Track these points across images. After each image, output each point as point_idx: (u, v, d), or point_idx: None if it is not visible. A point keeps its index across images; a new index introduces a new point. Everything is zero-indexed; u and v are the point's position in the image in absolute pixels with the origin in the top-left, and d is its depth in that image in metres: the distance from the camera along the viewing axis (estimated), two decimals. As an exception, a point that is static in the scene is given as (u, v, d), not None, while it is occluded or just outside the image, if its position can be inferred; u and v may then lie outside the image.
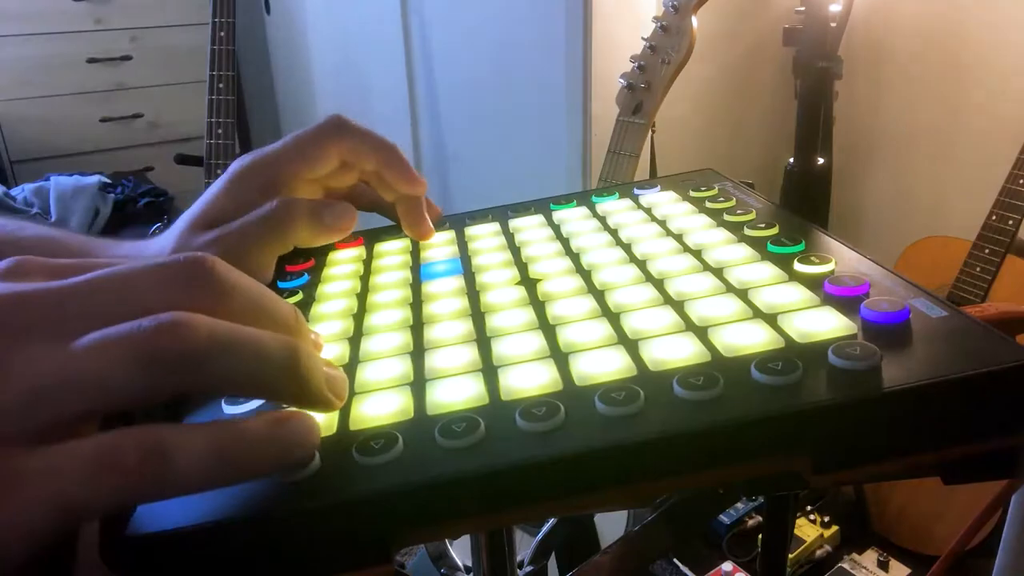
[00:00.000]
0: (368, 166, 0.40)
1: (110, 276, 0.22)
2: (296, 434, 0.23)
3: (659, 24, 1.18)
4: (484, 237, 0.43)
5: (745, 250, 0.35)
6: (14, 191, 1.96)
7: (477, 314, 0.33)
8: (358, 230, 0.45)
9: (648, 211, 0.44)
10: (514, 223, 0.45)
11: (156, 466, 0.20)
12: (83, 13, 2.26)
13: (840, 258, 0.33)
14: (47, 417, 0.20)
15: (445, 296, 0.36)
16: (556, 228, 0.43)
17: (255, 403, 0.29)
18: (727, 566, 1.33)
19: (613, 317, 0.31)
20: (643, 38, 1.20)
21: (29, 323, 0.21)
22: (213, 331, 0.21)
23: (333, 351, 0.32)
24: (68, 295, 0.21)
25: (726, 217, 0.40)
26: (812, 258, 0.33)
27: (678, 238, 0.39)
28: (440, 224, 0.45)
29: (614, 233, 0.41)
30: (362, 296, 0.37)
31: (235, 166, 0.39)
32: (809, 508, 1.45)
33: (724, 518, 1.43)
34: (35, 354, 0.20)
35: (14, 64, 2.20)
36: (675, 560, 1.35)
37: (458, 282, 0.37)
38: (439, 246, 0.43)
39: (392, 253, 0.43)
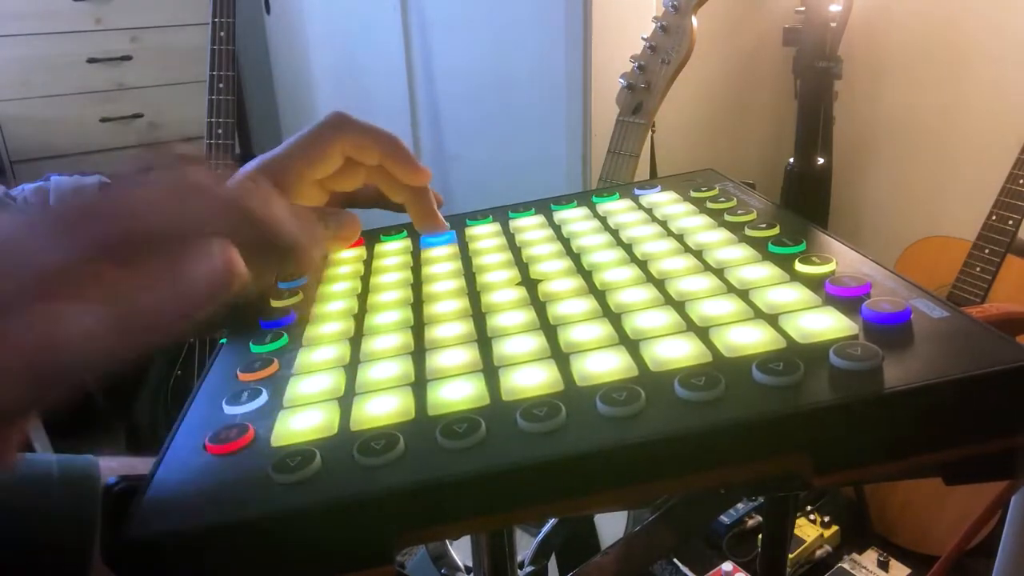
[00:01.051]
0: (372, 160, 0.40)
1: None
2: (202, 269, 0.22)
3: (659, 24, 1.18)
4: (485, 237, 0.43)
5: (746, 250, 0.35)
6: (14, 191, 1.96)
7: (478, 314, 0.33)
8: (359, 230, 0.45)
9: (649, 211, 0.44)
10: (515, 223, 0.45)
11: (33, 337, 0.20)
12: (83, 13, 2.26)
13: (841, 258, 0.33)
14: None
15: (446, 296, 0.36)
16: (557, 228, 0.43)
17: (255, 404, 0.29)
18: (727, 566, 1.33)
19: (614, 317, 0.31)
20: (643, 38, 1.20)
21: None
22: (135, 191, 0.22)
23: (334, 352, 0.32)
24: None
25: (727, 217, 0.40)
26: (813, 258, 0.33)
27: (679, 238, 0.39)
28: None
29: (615, 233, 0.41)
30: (363, 296, 0.37)
31: (240, 173, 0.39)
32: (809, 508, 1.45)
33: (724, 518, 1.43)
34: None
35: (14, 64, 2.19)
36: (675, 560, 1.35)
37: (459, 282, 0.37)
38: (440, 246, 0.43)
39: (393, 254, 0.43)
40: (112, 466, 0.46)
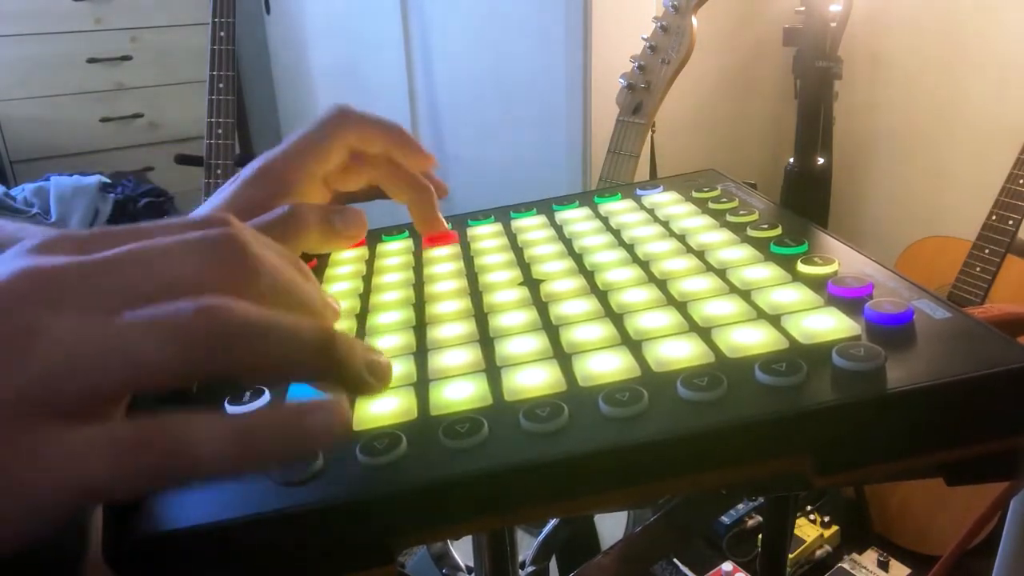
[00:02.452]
0: (377, 149, 0.40)
1: (142, 249, 0.22)
2: (321, 421, 0.22)
3: (659, 24, 1.18)
4: (487, 238, 0.43)
5: (748, 251, 0.35)
6: (14, 191, 1.96)
7: (480, 315, 0.33)
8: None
9: (651, 212, 0.44)
10: (516, 224, 0.45)
11: (180, 453, 0.20)
12: (83, 13, 2.26)
13: (843, 259, 0.33)
14: (76, 391, 0.19)
15: (448, 297, 0.36)
16: (559, 229, 0.43)
17: (259, 402, 0.29)
18: (727, 566, 1.33)
19: (616, 318, 0.31)
20: (643, 38, 1.20)
21: (61, 296, 0.20)
22: (249, 314, 0.21)
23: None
24: (100, 267, 0.21)
25: (729, 218, 0.40)
26: (815, 259, 0.33)
27: (681, 239, 0.39)
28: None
29: (617, 234, 0.41)
30: (365, 296, 0.37)
31: (245, 171, 0.38)
32: (809, 508, 1.45)
33: (724, 518, 1.43)
34: (73, 323, 0.20)
35: (14, 64, 2.19)
36: (675, 560, 1.35)
37: (461, 283, 0.37)
38: (442, 246, 0.43)
39: (395, 253, 0.43)
40: None
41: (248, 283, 0.22)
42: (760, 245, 0.36)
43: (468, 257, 0.41)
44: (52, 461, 0.19)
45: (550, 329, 0.31)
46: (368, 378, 0.24)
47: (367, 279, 0.40)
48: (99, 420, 0.20)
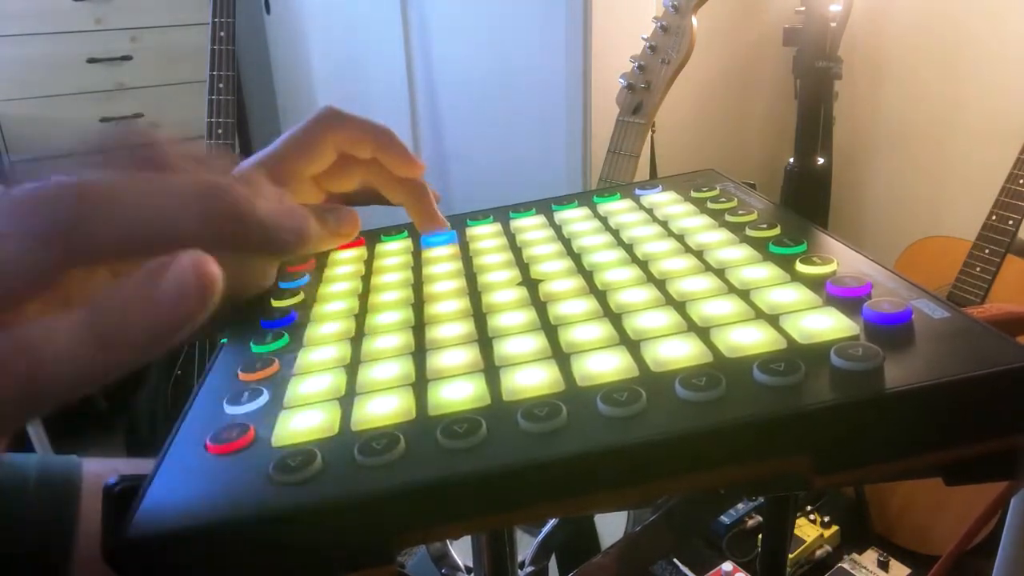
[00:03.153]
0: (365, 153, 0.40)
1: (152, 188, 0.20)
2: (179, 283, 0.19)
3: (659, 24, 1.18)
4: (486, 238, 0.43)
5: (747, 251, 0.35)
6: (14, 191, 1.96)
7: (479, 314, 0.33)
8: (359, 230, 0.45)
9: (650, 212, 0.44)
10: (515, 223, 0.45)
11: (27, 362, 0.18)
12: (83, 13, 2.26)
13: (842, 259, 0.33)
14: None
15: (447, 297, 0.36)
16: (558, 229, 0.43)
17: (258, 402, 0.29)
18: (727, 566, 1.33)
19: (615, 318, 0.31)
20: (643, 38, 1.20)
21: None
22: (101, 185, 0.19)
23: (335, 352, 0.32)
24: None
25: (728, 218, 0.40)
26: (814, 259, 0.33)
27: (680, 239, 0.39)
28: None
29: (616, 234, 0.41)
30: (363, 296, 0.37)
31: (235, 172, 0.39)
32: (809, 508, 1.45)
33: (724, 518, 1.43)
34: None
35: (14, 64, 2.19)
36: (675, 560, 1.35)
37: (459, 283, 0.37)
38: (441, 246, 0.43)
39: (393, 253, 0.43)
40: (96, 469, 0.45)
41: (140, 157, 0.21)
42: (759, 245, 0.36)
43: (467, 257, 0.41)
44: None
45: (549, 329, 0.31)
46: (274, 233, 0.21)
47: (366, 279, 0.40)
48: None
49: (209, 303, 0.20)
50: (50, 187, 0.19)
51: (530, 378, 0.27)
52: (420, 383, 0.28)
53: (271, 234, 0.21)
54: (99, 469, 0.46)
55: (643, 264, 0.36)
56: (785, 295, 0.30)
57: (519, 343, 0.30)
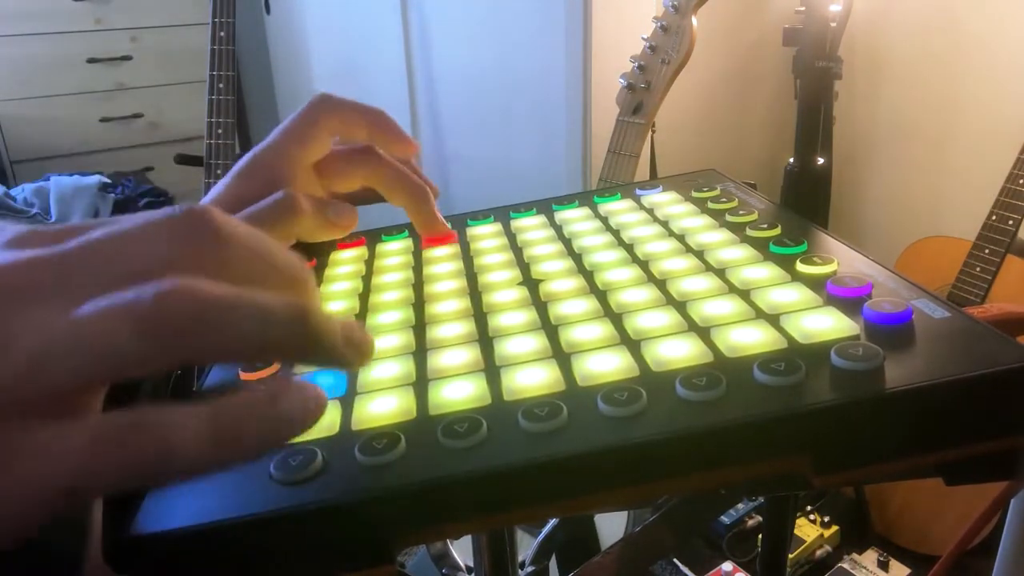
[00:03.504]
0: (360, 134, 0.40)
1: (108, 235, 0.21)
2: (296, 403, 0.21)
3: (659, 24, 1.18)
4: (486, 238, 0.43)
5: (747, 251, 0.35)
6: (14, 191, 1.96)
7: (479, 314, 0.33)
8: (360, 230, 0.45)
9: (650, 212, 0.44)
10: (516, 223, 0.45)
11: (157, 447, 0.19)
12: (83, 13, 2.26)
13: (842, 259, 0.33)
14: (47, 387, 0.19)
15: (447, 296, 0.36)
16: (558, 229, 0.43)
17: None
18: (727, 566, 1.33)
19: (615, 317, 0.31)
20: (643, 38, 1.20)
21: (29, 289, 0.20)
22: (214, 295, 0.20)
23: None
24: (68, 258, 0.20)
25: (728, 218, 0.40)
26: (814, 259, 0.33)
27: (680, 239, 0.39)
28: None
29: (616, 234, 0.41)
30: (364, 296, 0.37)
31: (236, 165, 0.39)
32: (809, 508, 1.45)
33: (724, 518, 1.43)
34: (36, 320, 0.19)
35: (14, 64, 2.20)
36: (675, 560, 1.35)
37: (460, 282, 0.37)
38: (441, 246, 0.43)
39: (394, 253, 0.43)
40: None
41: (219, 251, 0.21)
42: (759, 245, 0.36)
43: (468, 257, 0.41)
44: (26, 461, 0.18)
45: (549, 329, 0.31)
46: (344, 352, 0.23)
47: (367, 279, 0.40)
48: (72, 416, 0.19)
49: (318, 419, 0.22)
50: (166, 286, 0.19)
51: (531, 378, 0.27)
52: (421, 383, 0.28)
53: (345, 357, 0.23)
54: None
55: (643, 264, 0.36)
56: (785, 295, 0.30)
57: (520, 343, 0.30)
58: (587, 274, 0.36)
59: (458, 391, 0.27)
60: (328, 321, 0.22)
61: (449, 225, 0.44)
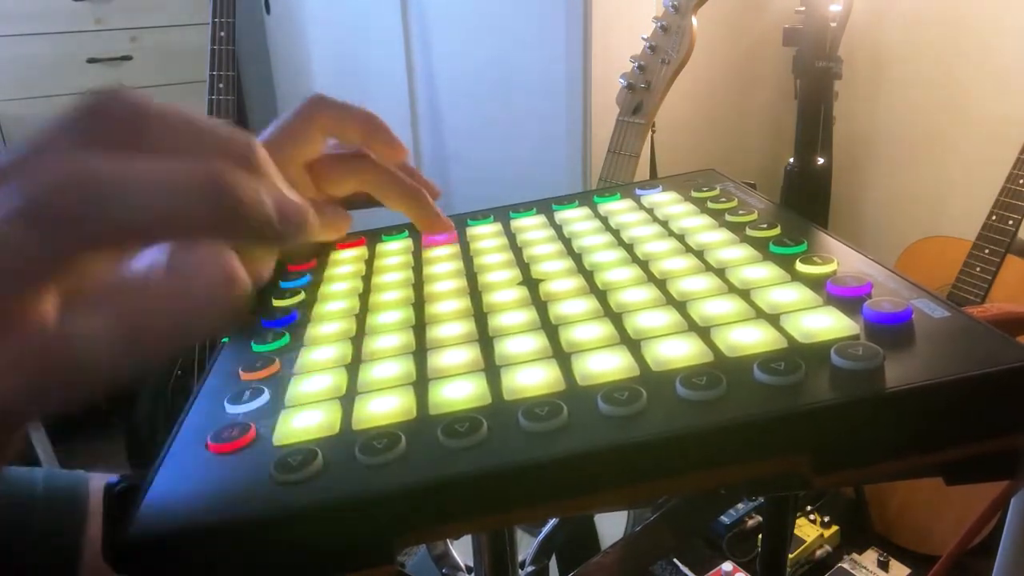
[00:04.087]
0: (353, 135, 0.40)
1: (39, 136, 0.20)
2: (208, 282, 0.20)
3: (659, 24, 1.18)
4: (486, 237, 0.43)
5: (747, 250, 0.35)
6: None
7: (479, 314, 0.33)
8: (360, 230, 0.45)
9: (650, 212, 0.44)
10: (516, 223, 0.45)
11: (67, 365, 0.18)
12: (83, 13, 2.26)
13: (842, 258, 0.33)
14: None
15: (447, 296, 0.36)
16: (558, 228, 0.43)
17: (259, 401, 0.29)
18: (727, 566, 1.33)
19: (615, 317, 0.31)
20: (643, 38, 1.20)
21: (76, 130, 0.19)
22: (101, 170, 0.18)
23: (336, 351, 0.32)
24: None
25: (728, 218, 0.40)
26: (814, 258, 0.33)
27: (680, 239, 0.39)
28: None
29: (616, 233, 0.41)
30: (364, 296, 0.37)
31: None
32: (809, 508, 1.45)
33: (724, 518, 1.43)
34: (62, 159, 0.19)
35: (14, 64, 2.20)
36: (675, 560, 1.35)
37: (460, 282, 0.37)
38: (441, 245, 0.43)
39: (394, 253, 0.43)
40: (103, 484, 0.46)
41: (130, 130, 0.20)
42: (759, 245, 0.36)
43: (467, 257, 0.41)
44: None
45: (549, 328, 0.31)
46: (280, 226, 0.21)
47: (367, 279, 0.40)
48: None
49: (235, 300, 0.20)
50: (56, 171, 0.18)
51: (531, 377, 0.27)
52: (421, 382, 0.28)
53: (275, 227, 0.21)
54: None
55: (643, 264, 0.36)
56: (785, 295, 0.30)
57: (520, 342, 0.30)
58: (587, 274, 0.36)
59: (458, 391, 0.27)
60: (250, 188, 0.20)
61: (452, 224, 0.44)
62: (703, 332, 0.29)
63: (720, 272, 0.34)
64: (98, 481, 0.46)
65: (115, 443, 1.85)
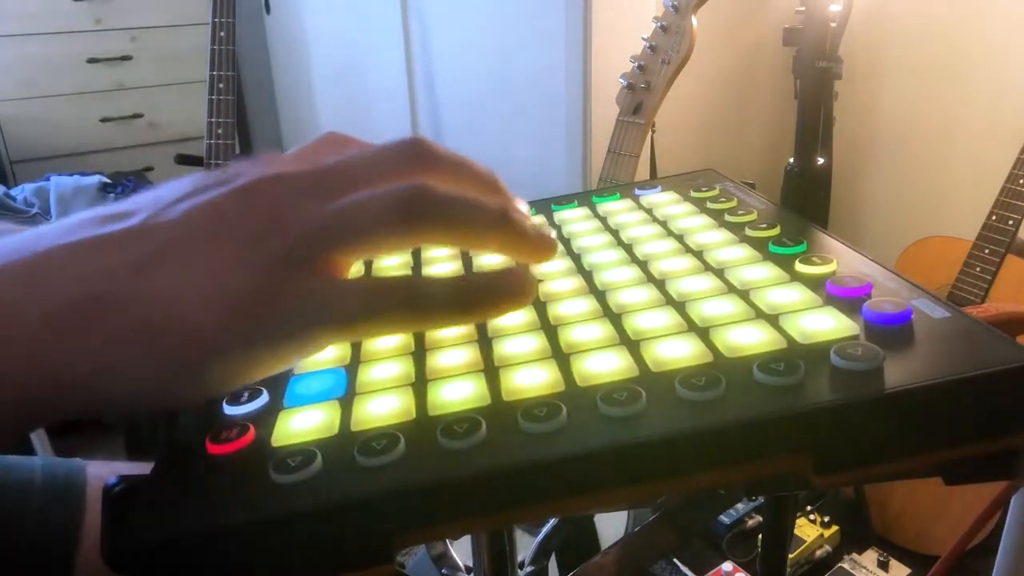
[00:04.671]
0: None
1: (357, 156, 0.28)
2: (520, 280, 0.27)
3: (659, 24, 1.18)
4: (485, 237, 0.43)
5: (747, 251, 0.35)
6: (14, 191, 1.96)
7: None
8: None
9: (649, 212, 0.44)
10: (515, 223, 0.45)
11: (414, 299, 0.26)
12: (83, 13, 2.26)
13: (842, 259, 0.33)
14: (322, 251, 0.26)
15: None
16: (557, 229, 0.43)
17: (258, 402, 0.29)
18: (727, 566, 1.33)
19: (615, 318, 0.31)
20: (643, 38, 1.20)
21: (297, 189, 0.27)
22: (445, 190, 0.27)
23: (334, 352, 0.32)
24: (320, 170, 0.28)
25: (727, 218, 0.40)
26: (814, 259, 0.33)
27: (679, 239, 0.39)
28: None
29: (615, 234, 0.41)
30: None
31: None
32: (809, 508, 1.45)
33: (724, 518, 1.43)
34: (309, 210, 0.26)
35: (14, 64, 2.19)
36: (675, 560, 1.35)
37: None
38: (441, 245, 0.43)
39: (393, 253, 0.43)
40: (102, 472, 0.46)
41: (436, 167, 0.28)
42: (758, 245, 0.36)
43: (467, 257, 0.41)
44: (309, 299, 0.25)
45: (548, 329, 0.31)
46: (539, 241, 0.29)
47: (366, 279, 0.40)
48: (339, 275, 0.27)
49: (524, 303, 0.28)
50: (419, 184, 0.27)
51: (530, 378, 0.27)
52: (420, 383, 0.28)
53: (532, 250, 0.30)
54: (103, 472, 0.46)
55: (643, 264, 0.36)
56: (785, 295, 0.30)
57: (519, 343, 0.30)
58: (586, 274, 0.36)
59: (457, 391, 0.27)
60: (523, 218, 0.29)
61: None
62: (702, 332, 0.29)
63: (720, 272, 0.34)
64: (96, 469, 0.46)
65: (114, 443, 1.85)
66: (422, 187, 0.26)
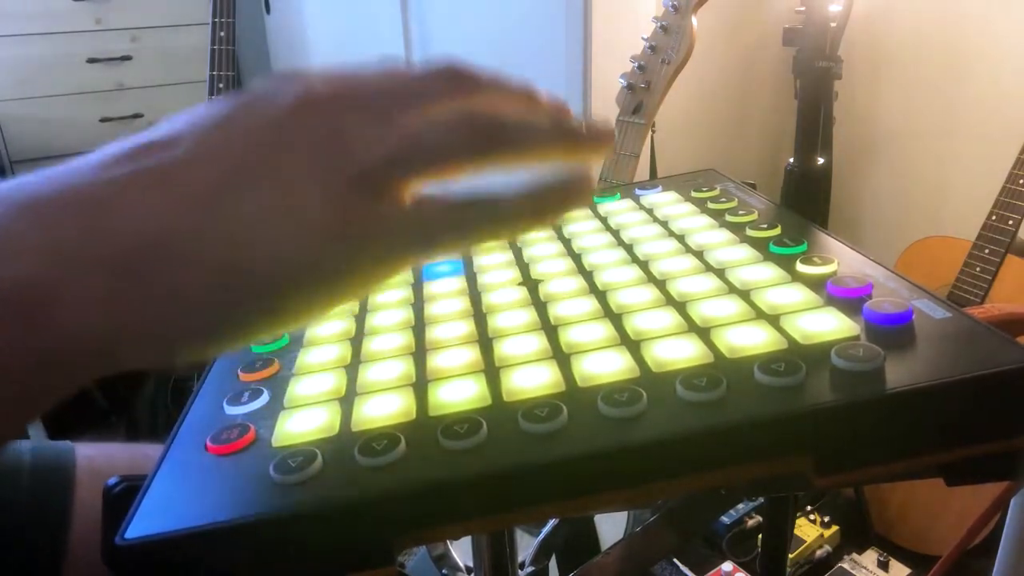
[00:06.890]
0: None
1: (400, 78, 0.28)
2: (583, 178, 0.29)
3: (659, 24, 1.18)
4: (485, 238, 0.43)
5: (747, 251, 0.35)
6: (14, 191, 1.96)
7: (479, 315, 0.33)
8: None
9: (650, 212, 0.44)
10: (515, 224, 0.45)
11: (492, 214, 0.27)
12: (83, 13, 2.25)
13: (842, 259, 0.33)
14: (397, 175, 0.25)
15: (447, 297, 0.36)
16: (558, 229, 0.43)
17: (258, 402, 0.29)
18: (727, 566, 1.32)
19: (615, 318, 0.31)
20: (643, 38, 1.20)
21: (356, 108, 0.25)
22: (503, 109, 0.28)
23: (335, 352, 0.32)
24: (376, 93, 0.26)
25: (728, 218, 0.40)
26: (814, 259, 0.33)
27: (680, 239, 0.39)
28: None
29: (616, 234, 0.41)
30: (364, 296, 0.37)
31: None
32: (809, 508, 1.45)
33: (724, 518, 1.43)
34: (373, 129, 0.25)
35: (14, 64, 2.19)
36: (675, 560, 1.35)
37: (460, 283, 0.37)
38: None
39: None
40: (89, 453, 0.46)
41: (479, 90, 0.29)
42: (759, 245, 0.36)
43: (467, 257, 0.41)
44: (407, 224, 0.25)
45: (549, 329, 0.31)
46: (597, 140, 0.29)
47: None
48: (408, 198, 0.25)
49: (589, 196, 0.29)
50: (484, 107, 0.28)
51: (530, 378, 0.27)
52: (420, 383, 0.28)
53: (593, 140, 0.30)
54: (92, 453, 0.46)
55: (643, 264, 0.36)
56: (785, 295, 0.30)
57: (519, 343, 0.30)
58: (587, 274, 0.36)
59: (458, 392, 0.27)
60: (575, 123, 0.29)
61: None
62: (703, 333, 0.29)
63: (720, 272, 0.34)
64: (84, 450, 0.46)
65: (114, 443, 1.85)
66: (485, 112, 0.27)
